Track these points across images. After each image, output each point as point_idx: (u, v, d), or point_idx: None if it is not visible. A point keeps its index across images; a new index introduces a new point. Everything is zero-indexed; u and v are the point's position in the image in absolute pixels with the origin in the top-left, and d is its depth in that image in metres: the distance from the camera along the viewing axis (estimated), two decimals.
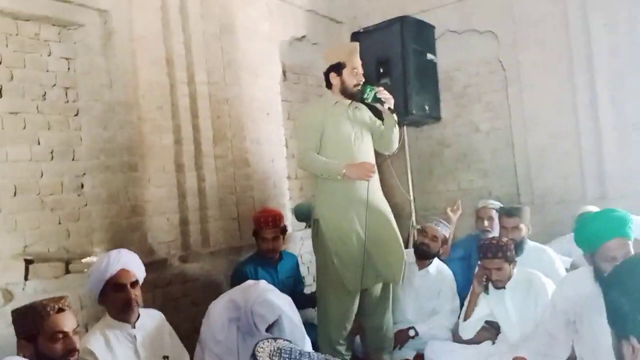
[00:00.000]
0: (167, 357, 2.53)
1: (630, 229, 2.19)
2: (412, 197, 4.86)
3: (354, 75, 3.12)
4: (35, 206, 2.94)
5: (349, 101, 3.17)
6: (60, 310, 1.92)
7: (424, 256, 3.64)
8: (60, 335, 1.89)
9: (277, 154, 4.38)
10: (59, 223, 3.04)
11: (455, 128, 5.34)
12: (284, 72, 4.75)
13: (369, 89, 3.08)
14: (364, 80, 3.14)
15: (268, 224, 3.48)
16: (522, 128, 4.88)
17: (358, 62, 3.15)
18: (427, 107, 4.86)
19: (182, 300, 3.47)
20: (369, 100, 3.11)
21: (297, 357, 1.95)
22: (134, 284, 2.47)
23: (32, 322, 1.87)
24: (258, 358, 1.94)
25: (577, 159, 4.57)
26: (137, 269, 2.52)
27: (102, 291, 2.43)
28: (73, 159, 3.15)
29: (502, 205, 3.89)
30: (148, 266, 2.88)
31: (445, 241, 3.76)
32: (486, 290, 3.18)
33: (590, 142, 4.52)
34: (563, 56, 4.60)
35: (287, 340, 2.17)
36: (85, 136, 3.20)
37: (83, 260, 2.99)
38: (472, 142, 5.25)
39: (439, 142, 5.43)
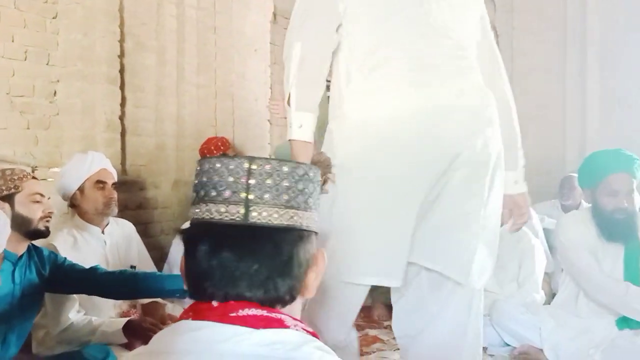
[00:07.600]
0: (135, 267, 2.43)
1: (637, 169, 2.14)
2: None
3: None
4: (4, 106, 2.75)
5: None
6: (34, 178, 1.94)
7: None
8: (39, 197, 1.87)
9: (262, 94, 4.24)
10: (28, 128, 2.86)
11: None
12: (274, 15, 4.59)
13: None
14: None
15: (219, 148, 3.36)
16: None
17: None
18: None
19: (152, 226, 3.34)
20: None
21: None
22: (114, 184, 2.39)
23: (10, 180, 1.82)
24: None
25: (561, 129, 4.58)
26: (114, 173, 2.44)
27: (79, 189, 2.31)
28: (48, 63, 2.95)
29: None
30: (120, 186, 2.75)
31: None
32: None
33: (575, 114, 4.53)
34: (558, 25, 4.58)
35: None
36: (62, 41, 3.00)
37: (51, 170, 2.83)
38: None
39: None
